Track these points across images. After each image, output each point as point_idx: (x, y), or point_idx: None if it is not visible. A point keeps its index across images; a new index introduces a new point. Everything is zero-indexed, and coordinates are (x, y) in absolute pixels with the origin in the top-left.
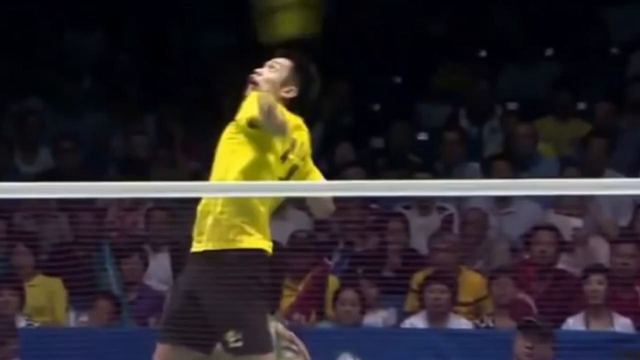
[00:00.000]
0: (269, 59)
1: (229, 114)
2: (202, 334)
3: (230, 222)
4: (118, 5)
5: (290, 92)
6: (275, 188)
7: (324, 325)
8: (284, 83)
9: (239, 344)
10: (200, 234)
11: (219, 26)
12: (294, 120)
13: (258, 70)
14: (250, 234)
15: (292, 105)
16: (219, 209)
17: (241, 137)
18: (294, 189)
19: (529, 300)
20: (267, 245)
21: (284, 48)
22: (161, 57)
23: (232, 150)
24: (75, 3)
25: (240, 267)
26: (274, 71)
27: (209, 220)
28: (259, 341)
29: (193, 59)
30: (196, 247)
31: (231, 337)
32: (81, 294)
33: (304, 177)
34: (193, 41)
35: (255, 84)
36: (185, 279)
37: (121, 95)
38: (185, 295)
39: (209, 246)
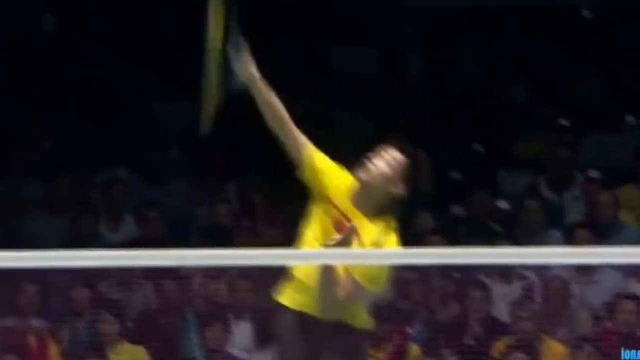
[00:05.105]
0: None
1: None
2: None
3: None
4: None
5: (400, 190)
6: (361, 256)
7: None
8: (396, 180)
9: None
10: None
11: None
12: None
13: (374, 159)
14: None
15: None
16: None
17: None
18: (375, 256)
19: None
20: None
21: (397, 138)
22: (242, 126)
23: None
24: (163, 74)
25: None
26: (389, 167)
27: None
28: None
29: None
30: (322, 314)
31: None
32: None
33: None
34: None
35: (370, 173)
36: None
37: (206, 164)
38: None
39: (332, 316)
